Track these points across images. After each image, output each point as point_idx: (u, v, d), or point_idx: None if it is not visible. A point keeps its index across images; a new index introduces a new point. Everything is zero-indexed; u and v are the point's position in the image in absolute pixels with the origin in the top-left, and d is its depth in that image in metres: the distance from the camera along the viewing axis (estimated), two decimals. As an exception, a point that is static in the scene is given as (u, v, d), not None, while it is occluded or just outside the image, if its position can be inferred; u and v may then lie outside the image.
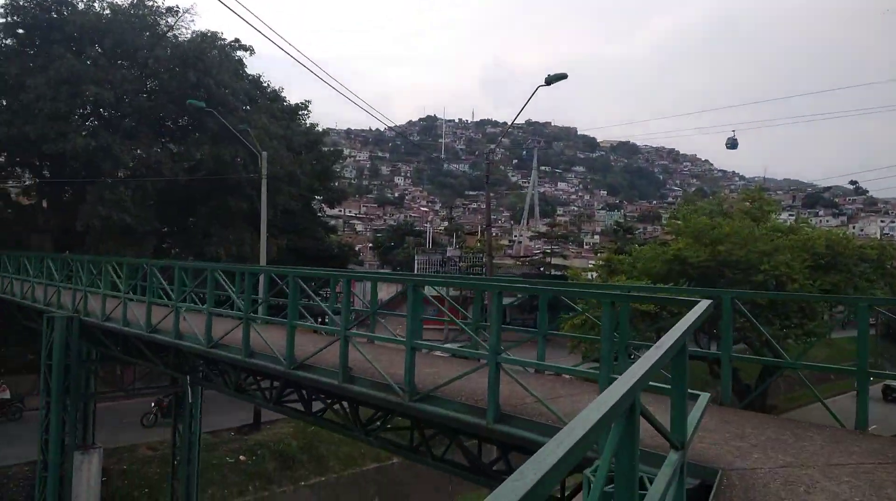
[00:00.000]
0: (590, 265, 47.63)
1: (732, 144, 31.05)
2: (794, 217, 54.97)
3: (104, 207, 24.98)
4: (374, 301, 10.03)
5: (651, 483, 3.36)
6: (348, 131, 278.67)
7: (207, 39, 28.04)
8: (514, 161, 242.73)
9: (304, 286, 8.07)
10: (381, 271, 69.68)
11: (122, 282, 11.10)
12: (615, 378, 3.08)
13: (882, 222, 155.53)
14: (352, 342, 6.75)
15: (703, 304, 3.83)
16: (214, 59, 27.06)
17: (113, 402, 23.79)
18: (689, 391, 4.59)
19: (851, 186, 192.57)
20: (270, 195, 28.09)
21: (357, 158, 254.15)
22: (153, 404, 22.62)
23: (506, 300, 28.35)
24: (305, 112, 35.88)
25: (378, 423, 7.34)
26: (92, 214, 25.14)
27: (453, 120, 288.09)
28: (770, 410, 30.82)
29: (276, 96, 34.25)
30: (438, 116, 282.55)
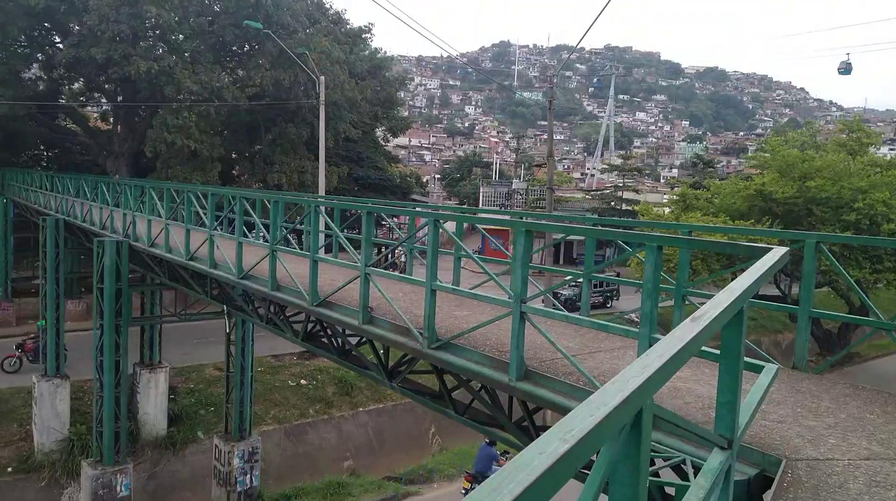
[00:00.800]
0: (664, 201, 45.24)
1: (847, 68, 27.64)
2: (895, 152, 50.00)
3: (169, 132, 25.24)
4: (411, 232, 9.36)
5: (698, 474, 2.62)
6: (419, 58, 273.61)
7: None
8: (591, 89, 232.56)
9: (326, 218, 7.50)
10: (429, 205, 69.00)
11: (164, 208, 10.95)
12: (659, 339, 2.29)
13: None
14: (372, 279, 6.15)
15: (777, 253, 2.92)
16: (273, -22, 26.21)
17: (184, 323, 24.70)
18: (752, 361, 3.72)
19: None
20: (330, 123, 27.64)
21: (427, 87, 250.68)
22: (15, 347, 20.05)
23: (574, 236, 26.90)
24: (369, 36, 34.72)
25: (404, 367, 6.84)
26: (158, 139, 25.49)
27: (527, 45, 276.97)
28: (852, 357, 28.93)
29: (338, 19, 33.17)
30: (512, 41, 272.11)
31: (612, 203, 48.77)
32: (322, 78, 22.16)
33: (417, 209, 8.32)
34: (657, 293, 3.52)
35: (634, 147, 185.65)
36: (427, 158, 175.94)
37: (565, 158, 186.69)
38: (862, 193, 23.17)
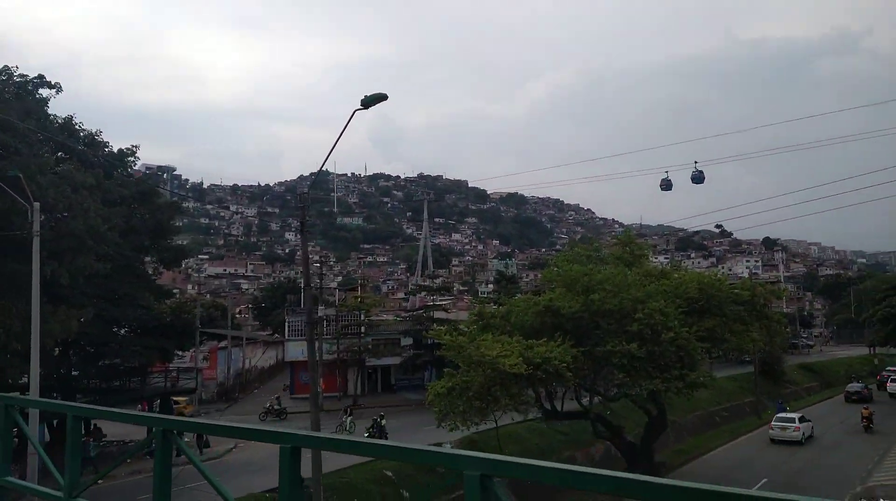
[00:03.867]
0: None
1: (667, 185, 30.07)
2: (668, 260, 55.53)
3: None
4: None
5: None
6: (234, 187, 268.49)
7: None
8: (409, 214, 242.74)
9: None
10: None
11: None
12: None
13: (747, 261, 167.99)
14: None
15: None
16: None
17: None
18: None
19: (717, 230, 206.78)
20: (66, 256, 23.00)
21: (245, 215, 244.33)
22: None
23: (388, 361, 25.75)
24: (132, 159, 31.01)
25: None
26: None
27: (346, 174, 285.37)
28: (659, 468, 28.70)
29: (91, 141, 29.22)
30: (330, 170, 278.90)
31: (421, 324, 47.41)
32: (36, 205, 18.13)
33: None
34: None
35: (453, 266, 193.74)
36: (244, 286, 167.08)
37: (389, 279, 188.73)
38: (640, 303, 23.69)
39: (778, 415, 37.37)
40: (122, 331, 30.58)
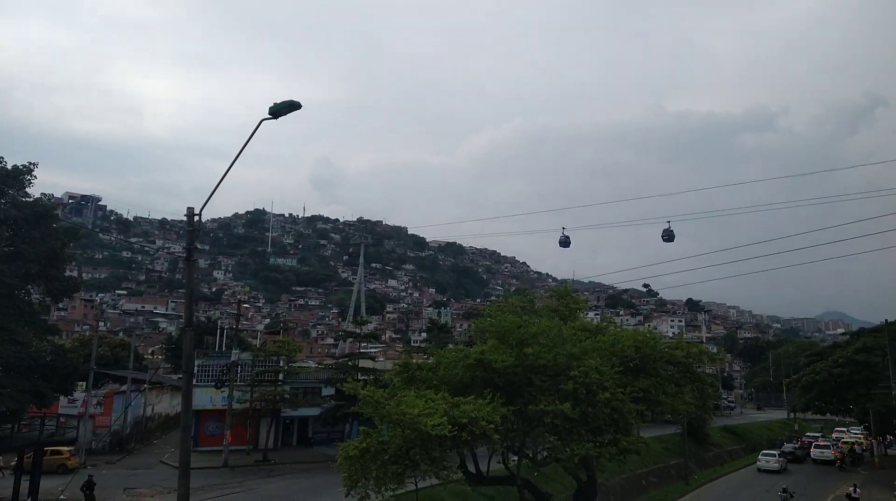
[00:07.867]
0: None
1: (670, 236, 30.97)
2: (599, 316, 55.17)
3: None
4: None
5: None
6: (163, 221, 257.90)
7: None
8: (345, 257, 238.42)
9: None
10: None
11: None
12: None
13: (671, 320, 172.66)
14: None
15: None
16: None
17: None
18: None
19: (644, 289, 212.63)
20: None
21: (172, 250, 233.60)
22: None
23: (307, 412, 28.72)
24: (28, 178, 27.76)
25: None
26: None
27: (283, 214, 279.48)
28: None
29: (-20, 154, 25.97)
30: (267, 209, 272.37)
31: (345, 373, 44.54)
32: None
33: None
34: None
35: (387, 312, 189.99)
36: (163, 325, 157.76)
37: (319, 324, 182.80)
38: (576, 359, 22.25)
39: (763, 451, 52.98)
40: (-2, 370, 26.64)
